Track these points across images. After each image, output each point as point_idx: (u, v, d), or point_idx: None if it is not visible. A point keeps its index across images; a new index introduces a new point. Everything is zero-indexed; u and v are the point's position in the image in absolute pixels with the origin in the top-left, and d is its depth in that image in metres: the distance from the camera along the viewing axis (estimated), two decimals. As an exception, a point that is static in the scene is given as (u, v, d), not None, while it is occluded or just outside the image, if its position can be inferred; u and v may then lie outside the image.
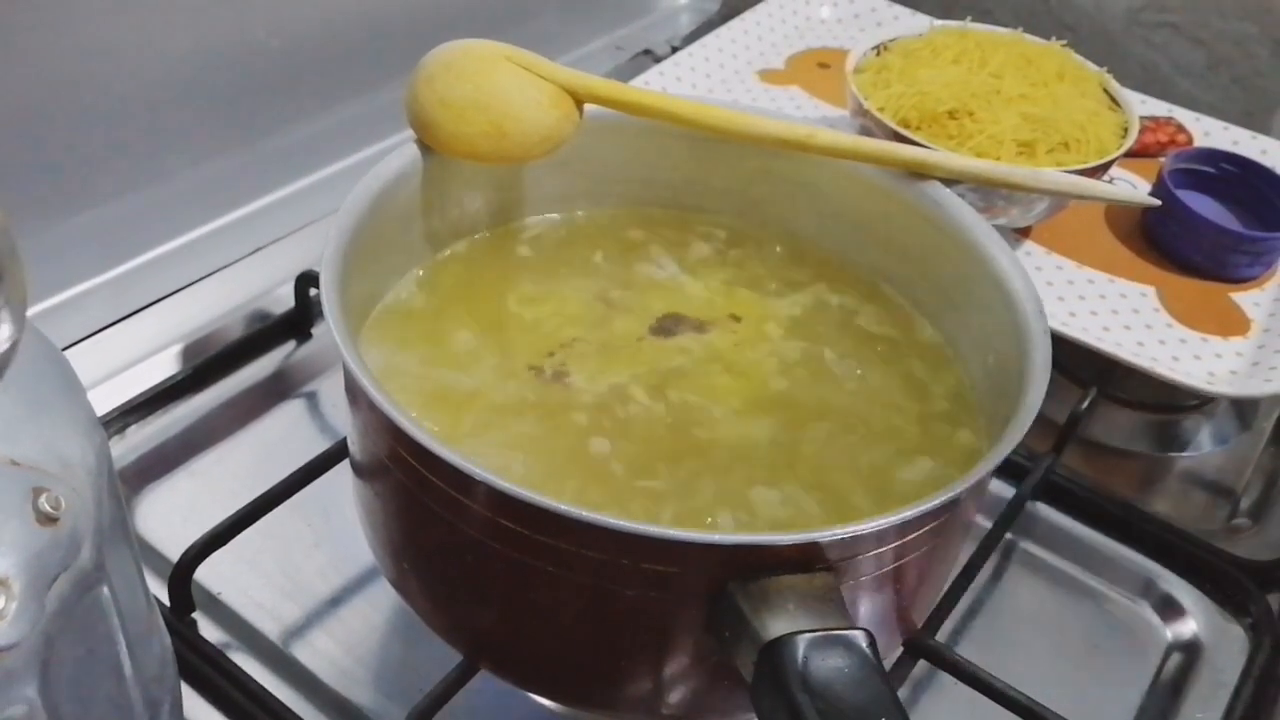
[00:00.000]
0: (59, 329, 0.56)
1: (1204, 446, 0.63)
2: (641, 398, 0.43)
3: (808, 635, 0.32)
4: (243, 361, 0.59)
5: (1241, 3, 0.79)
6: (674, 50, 0.85)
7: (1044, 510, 0.57)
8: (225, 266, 0.65)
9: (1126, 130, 0.65)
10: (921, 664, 0.46)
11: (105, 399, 0.55)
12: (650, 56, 0.87)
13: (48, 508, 0.27)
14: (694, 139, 0.49)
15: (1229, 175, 0.70)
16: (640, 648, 0.37)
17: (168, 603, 0.47)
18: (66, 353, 0.33)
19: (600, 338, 0.46)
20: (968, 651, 0.49)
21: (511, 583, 0.37)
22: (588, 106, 0.46)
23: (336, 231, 0.40)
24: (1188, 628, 0.53)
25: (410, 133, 0.45)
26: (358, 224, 0.41)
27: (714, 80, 0.78)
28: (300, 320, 0.61)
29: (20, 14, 0.53)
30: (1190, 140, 0.75)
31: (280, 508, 0.49)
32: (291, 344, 0.61)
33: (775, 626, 0.32)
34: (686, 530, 0.33)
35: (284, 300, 0.62)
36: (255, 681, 0.45)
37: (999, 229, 0.46)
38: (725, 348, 0.46)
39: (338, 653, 0.48)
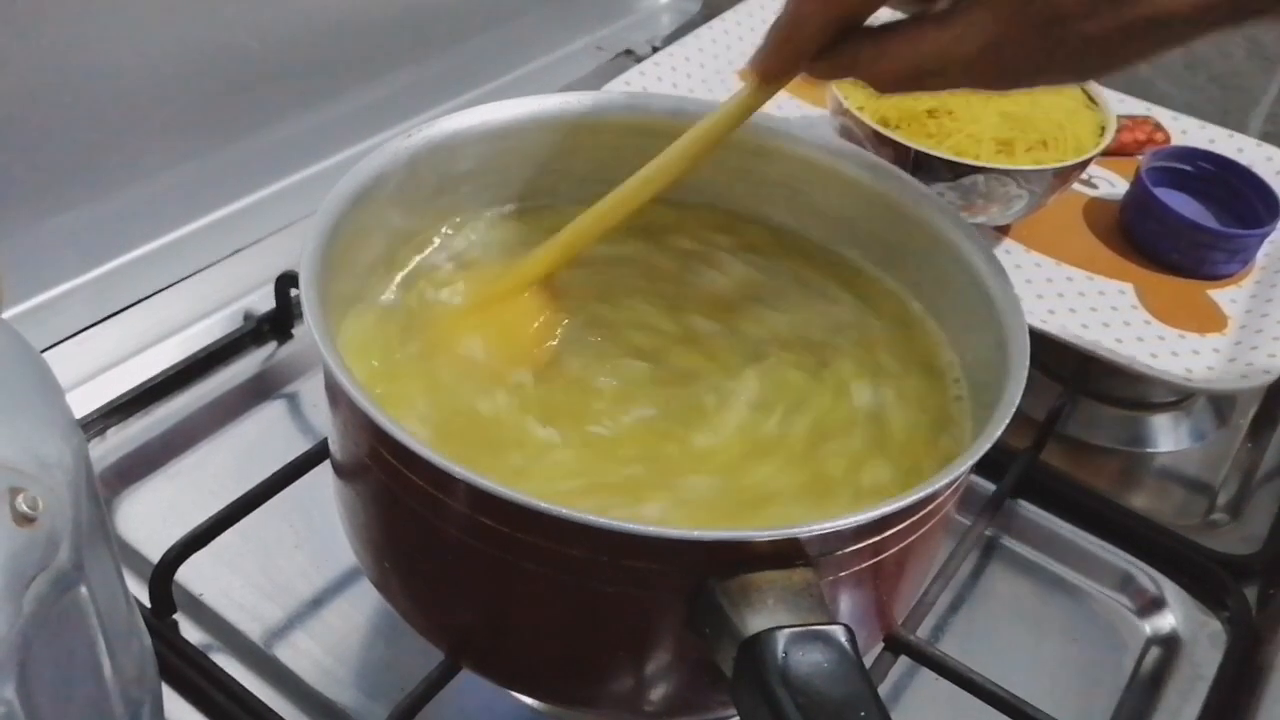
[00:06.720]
0: (39, 331, 0.56)
1: (1182, 442, 0.63)
2: (621, 391, 0.44)
3: (787, 630, 0.32)
4: (224, 362, 0.59)
5: (1218, 3, 0.80)
6: (655, 50, 0.85)
7: (1024, 506, 0.57)
8: (206, 267, 0.64)
9: (1104, 128, 0.66)
10: (902, 659, 0.47)
11: (85, 400, 0.55)
12: (631, 57, 0.87)
13: (25, 508, 0.27)
14: (674, 140, 0.49)
15: (1206, 173, 0.71)
16: (621, 645, 0.37)
17: (149, 604, 0.47)
18: (46, 354, 0.33)
19: (581, 334, 0.46)
20: (948, 647, 0.49)
21: (492, 581, 0.37)
22: (571, 107, 0.45)
23: (315, 232, 0.40)
24: (1166, 622, 0.54)
25: (390, 132, 0.45)
26: (337, 224, 0.41)
27: (694, 80, 0.78)
28: (281, 321, 0.61)
29: (-3, 15, 0.53)
30: (1168, 139, 0.76)
31: (261, 508, 0.49)
32: (273, 345, 0.61)
33: (755, 622, 0.32)
34: (666, 527, 0.34)
35: (265, 301, 0.61)
36: (237, 682, 0.45)
37: (978, 227, 0.46)
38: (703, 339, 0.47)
39: (319, 653, 0.48)
